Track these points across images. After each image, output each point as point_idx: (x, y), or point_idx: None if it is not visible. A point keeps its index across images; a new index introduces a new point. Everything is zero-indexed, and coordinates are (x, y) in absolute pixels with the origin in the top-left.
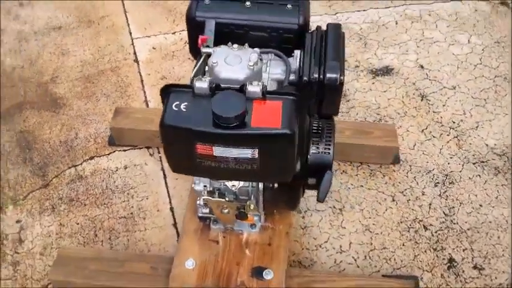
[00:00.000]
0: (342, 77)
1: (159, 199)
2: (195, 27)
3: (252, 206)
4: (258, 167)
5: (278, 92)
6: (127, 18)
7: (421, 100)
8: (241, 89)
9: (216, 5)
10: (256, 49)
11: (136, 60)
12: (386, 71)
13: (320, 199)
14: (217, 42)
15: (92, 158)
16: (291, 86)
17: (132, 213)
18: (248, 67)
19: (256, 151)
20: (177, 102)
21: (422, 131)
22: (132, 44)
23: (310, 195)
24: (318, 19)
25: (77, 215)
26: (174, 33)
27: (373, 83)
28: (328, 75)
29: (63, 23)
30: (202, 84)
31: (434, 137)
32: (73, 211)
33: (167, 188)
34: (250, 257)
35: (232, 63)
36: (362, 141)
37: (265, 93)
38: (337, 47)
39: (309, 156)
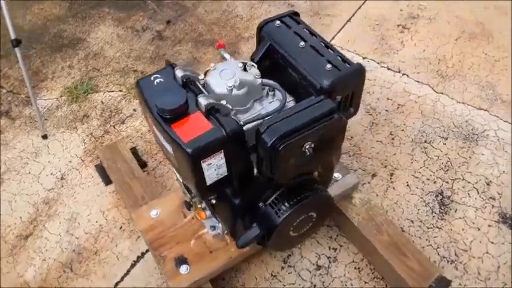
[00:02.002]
0: (276, 143)
1: None
2: (258, 37)
3: (197, 203)
4: (176, 166)
5: (219, 119)
6: None
7: None
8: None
9: (280, 31)
10: (259, 79)
11: None
12: None
13: (237, 244)
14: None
15: None
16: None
17: None
18: (227, 88)
19: (172, 150)
20: (158, 75)
21: None
22: None
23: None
24: None
25: None
26: None
27: None
28: (263, 135)
29: None
30: (179, 73)
31: None
32: None
33: None
34: (188, 247)
35: (223, 76)
36: None
37: (209, 112)
38: (302, 117)
39: (261, 204)
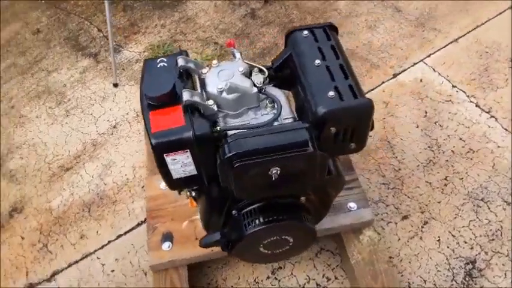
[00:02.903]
0: (233, 158)
1: None
2: (285, 43)
3: (187, 192)
4: None
5: (194, 119)
6: None
7: None
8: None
9: (304, 42)
10: (255, 89)
11: None
12: None
13: (200, 242)
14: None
15: None
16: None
17: None
18: (217, 89)
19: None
20: (164, 60)
21: None
22: None
23: None
24: None
25: None
26: None
27: None
28: (225, 145)
29: None
30: (179, 62)
31: None
32: None
33: None
34: (179, 227)
35: (220, 76)
36: None
37: (186, 107)
38: (271, 141)
39: (234, 212)
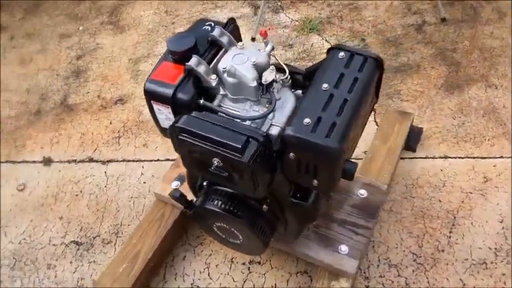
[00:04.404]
0: (176, 129)
1: None
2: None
3: None
4: None
5: (186, 84)
6: None
7: None
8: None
9: (334, 62)
10: (255, 83)
11: None
12: None
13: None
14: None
15: None
16: None
17: None
18: (222, 68)
19: None
20: (211, 23)
21: None
22: None
23: None
24: None
25: None
26: None
27: None
28: (181, 116)
29: None
30: (215, 33)
31: None
32: None
33: None
34: None
35: (234, 57)
36: None
37: (186, 73)
38: (217, 133)
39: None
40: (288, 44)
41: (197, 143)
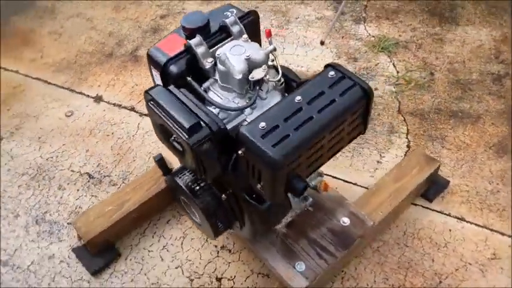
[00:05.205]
0: (149, 95)
1: None
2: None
3: None
4: None
5: (181, 58)
6: None
7: None
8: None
9: (320, 78)
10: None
11: None
12: None
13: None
14: None
15: None
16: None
17: None
18: (217, 54)
19: None
20: (233, 10)
21: None
22: None
23: None
24: None
25: None
26: None
27: None
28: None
29: None
30: (228, 21)
31: None
32: None
33: None
34: None
35: (233, 48)
36: None
37: (187, 48)
38: (179, 110)
39: None
40: (353, 56)
41: (159, 114)
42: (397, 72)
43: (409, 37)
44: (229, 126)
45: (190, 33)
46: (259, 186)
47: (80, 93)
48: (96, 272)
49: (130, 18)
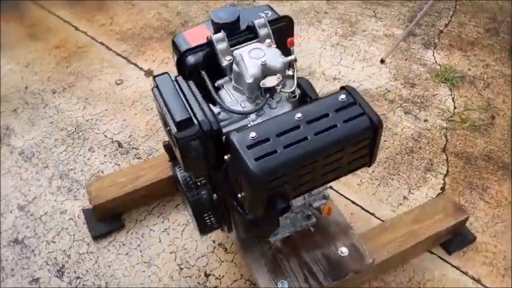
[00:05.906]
0: (155, 81)
1: None
2: None
3: None
4: None
5: (199, 49)
6: None
7: None
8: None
9: (331, 98)
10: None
11: None
12: None
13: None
14: None
15: None
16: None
17: None
18: (235, 54)
19: None
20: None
21: None
22: None
23: None
24: None
25: None
26: None
27: None
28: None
29: None
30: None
31: None
32: None
33: None
34: None
35: (252, 50)
36: None
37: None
38: (175, 103)
39: None
40: (411, 81)
41: (158, 102)
42: (455, 107)
43: (479, 73)
44: (228, 129)
45: (217, 28)
46: (240, 195)
47: (135, 64)
48: (97, 237)
49: (201, 2)
